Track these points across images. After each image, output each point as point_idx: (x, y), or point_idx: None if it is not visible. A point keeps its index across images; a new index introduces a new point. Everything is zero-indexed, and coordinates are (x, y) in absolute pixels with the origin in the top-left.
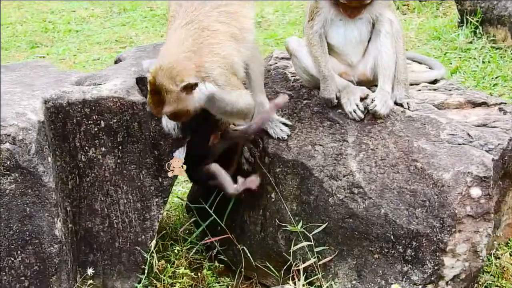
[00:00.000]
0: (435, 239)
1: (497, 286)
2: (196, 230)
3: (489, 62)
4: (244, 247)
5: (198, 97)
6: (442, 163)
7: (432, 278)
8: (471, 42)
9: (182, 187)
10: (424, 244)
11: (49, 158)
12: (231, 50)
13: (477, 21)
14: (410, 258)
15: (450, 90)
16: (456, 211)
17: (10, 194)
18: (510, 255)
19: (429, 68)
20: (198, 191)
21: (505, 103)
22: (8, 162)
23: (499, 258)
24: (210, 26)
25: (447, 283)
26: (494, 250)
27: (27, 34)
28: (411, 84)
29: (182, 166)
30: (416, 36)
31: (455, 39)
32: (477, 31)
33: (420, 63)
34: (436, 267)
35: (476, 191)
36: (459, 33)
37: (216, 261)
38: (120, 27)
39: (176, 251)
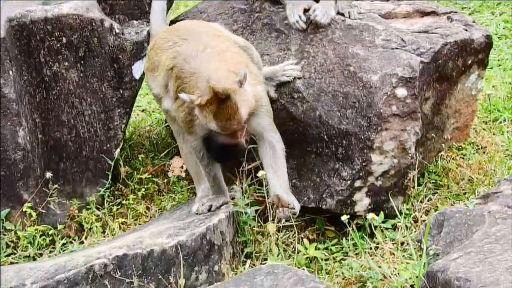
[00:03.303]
0: (362, 137)
1: (440, 184)
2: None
3: None
4: None
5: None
6: (372, 66)
7: (361, 174)
8: None
9: None
10: (353, 142)
11: (10, 72)
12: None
13: None
14: (341, 156)
15: (400, 0)
16: (382, 110)
17: None
18: (459, 158)
19: None
20: None
21: (456, 12)
22: None
23: (445, 159)
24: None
25: (376, 179)
26: (442, 152)
27: None
28: None
29: (182, 167)
30: None
31: None
32: None
33: None
34: (364, 164)
35: (401, 91)
36: None
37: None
38: None
39: (140, 158)
